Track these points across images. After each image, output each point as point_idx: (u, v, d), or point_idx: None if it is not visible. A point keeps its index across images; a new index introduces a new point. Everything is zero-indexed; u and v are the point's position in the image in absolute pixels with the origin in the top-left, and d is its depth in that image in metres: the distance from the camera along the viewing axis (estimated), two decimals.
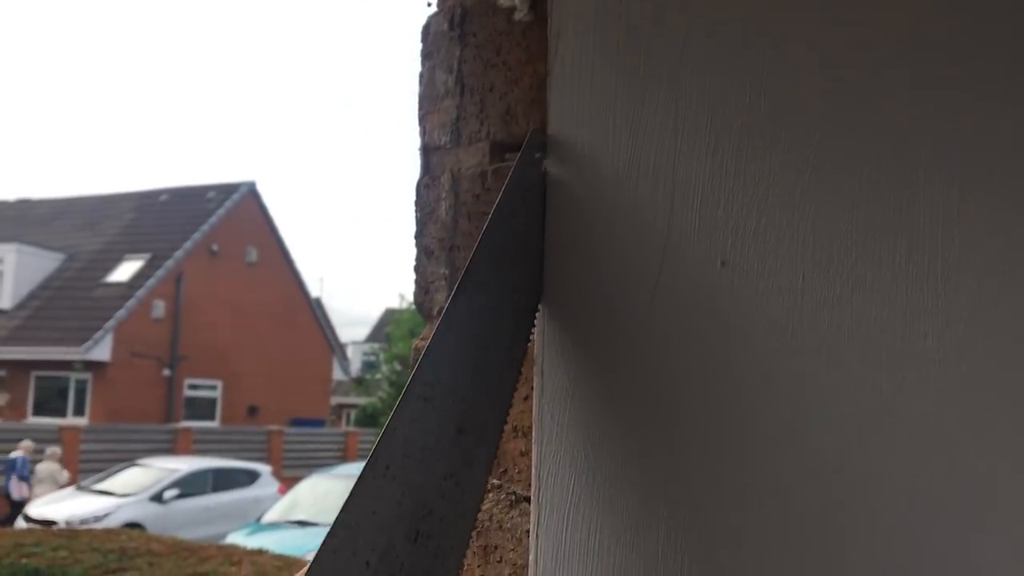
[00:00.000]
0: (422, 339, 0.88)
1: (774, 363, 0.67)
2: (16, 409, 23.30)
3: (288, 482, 16.38)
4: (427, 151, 0.89)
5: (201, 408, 25.52)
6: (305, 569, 0.57)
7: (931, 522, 0.62)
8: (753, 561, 0.67)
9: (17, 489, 15.75)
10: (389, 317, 33.21)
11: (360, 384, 34.53)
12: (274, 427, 23.83)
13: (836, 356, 0.65)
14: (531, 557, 0.73)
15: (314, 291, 31.96)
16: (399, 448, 0.63)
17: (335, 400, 34.15)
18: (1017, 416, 0.60)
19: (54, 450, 17.08)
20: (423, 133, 0.90)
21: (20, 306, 24.51)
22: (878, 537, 0.63)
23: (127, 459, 17.50)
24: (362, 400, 34.56)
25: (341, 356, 32.87)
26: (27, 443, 17.25)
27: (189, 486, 15.86)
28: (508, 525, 0.78)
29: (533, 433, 0.75)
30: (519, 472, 0.77)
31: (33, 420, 22.37)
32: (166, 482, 15.73)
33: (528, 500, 0.76)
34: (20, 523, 13.28)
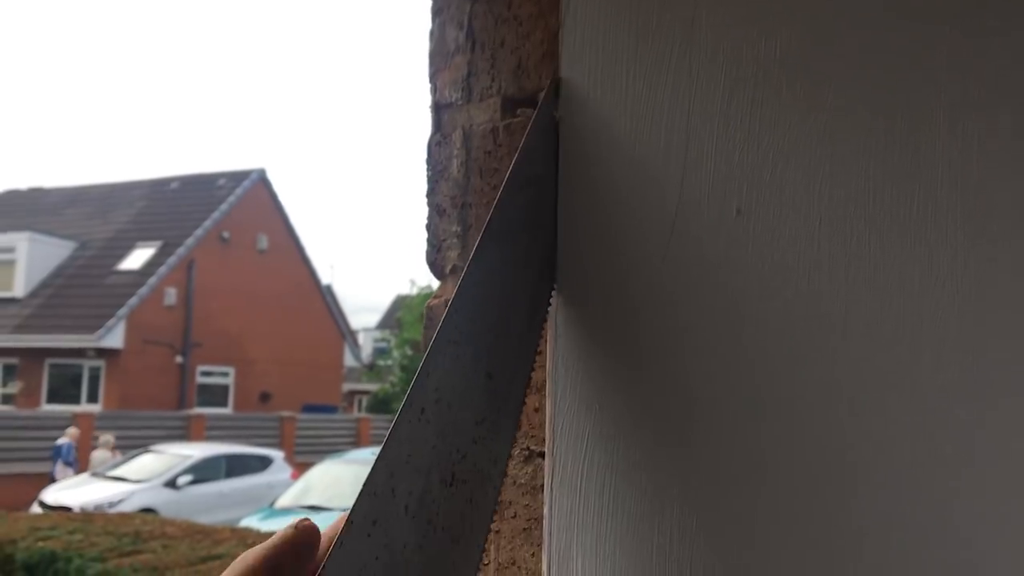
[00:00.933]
0: (436, 297, 0.87)
1: (790, 310, 0.66)
2: (30, 396, 23.45)
3: (301, 468, 16.46)
4: (438, 108, 0.89)
5: (214, 395, 25.64)
6: (347, 513, 0.57)
7: (954, 484, 0.62)
8: (771, 515, 0.66)
9: (63, 475, 15.89)
10: (400, 304, 33.26)
11: (372, 370, 34.60)
12: (287, 413, 23.92)
13: (853, 302, 0.65)
14: (546, 510, 0.73)
15: (325, 278, 32.05)
16: (432, 392, 0.63)
17: (347, 387, 34.26)
18: None
19: (107, 438, 17.24)
20: (434, 90, 0.89)
21: (33, 294, 24.63)
22: (892, 481, 0.62)
23: (140, 445, 17.60)
24: (374, 386, 34.64)
25: (352, 343, 32.96)
26: (72, 430, 17.46)
27: (202, 472, 15.94)
28: (522, 480, 0.78)
29: (547, 387, 0.74)
30: (533, 428, 0.77)
31: (47, 407, 22.51)
32: (180, 468, 15.81)
33: (542, 455, 0.76)
34: (35, 509, 13.36)
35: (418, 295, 23.72)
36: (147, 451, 16.81)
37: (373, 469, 0.58)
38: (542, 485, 0.74)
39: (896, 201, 0.65)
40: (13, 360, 24.01)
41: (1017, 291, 0.61)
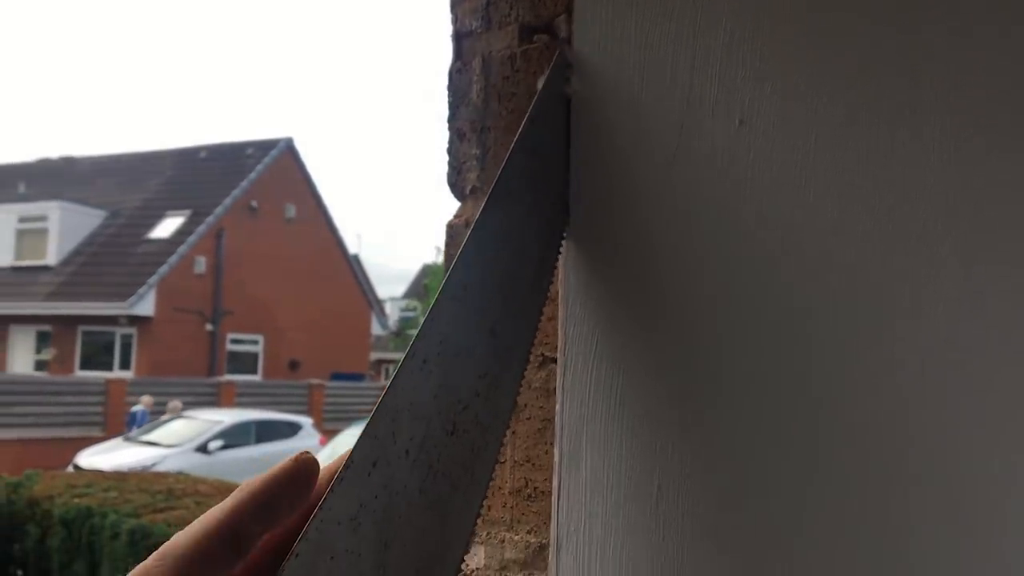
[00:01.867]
0: (456, 217, 0.92)
1: (787, 216, 0.70)
2: (64, 363, 23.85)
3: (329, 434, 16.66)
4: (458, 37, 0.93)
5: (243, 362, 25.94)
6: (348, 452, 0.59)
7: (953, 394, 0.65)
8: (768, 414, 0.70)
9: None
10: (427, 272, 33.37)
11: (399, 337, 34.77)
12: (315, 381, 24.16)
13: (846, 207, 0.69)
14: (558, 408, 0.78)
15: (352, 247, 32.17)
16: (435, 345, 0.65)
17: (374, 355, 34.52)
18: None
19: (175, 404, 17.67)
20: (455, 20, 0.93)
21: (65, 262, 24.97)
22: (887, 384, 0.67)
23: (172, 411, 17.88)
24: (401, 355, 34.84)
25: (379, 312, 33.16)
26: (147, 398, 17.96)
27: (233, 437, 16.19)
28: (536, 384, 0.82)
29: (559, 295, 0.79)
30: (547, 336, 0.82)
31: (80, 374, 22.89)
32: (210, 433, 16.07)
33: (555, 361, 0.80)
34: (70, 471, 13.63)
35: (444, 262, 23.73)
36: (178, 416, 17.08)
37: (375, 413, 0.59)
38: (555, 388, 0.79)
39: (885, 113, 0.68)
40: (47, 327, 24.39)
41: (1004, 193, 0.65)
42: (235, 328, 25.62)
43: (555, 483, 0.76)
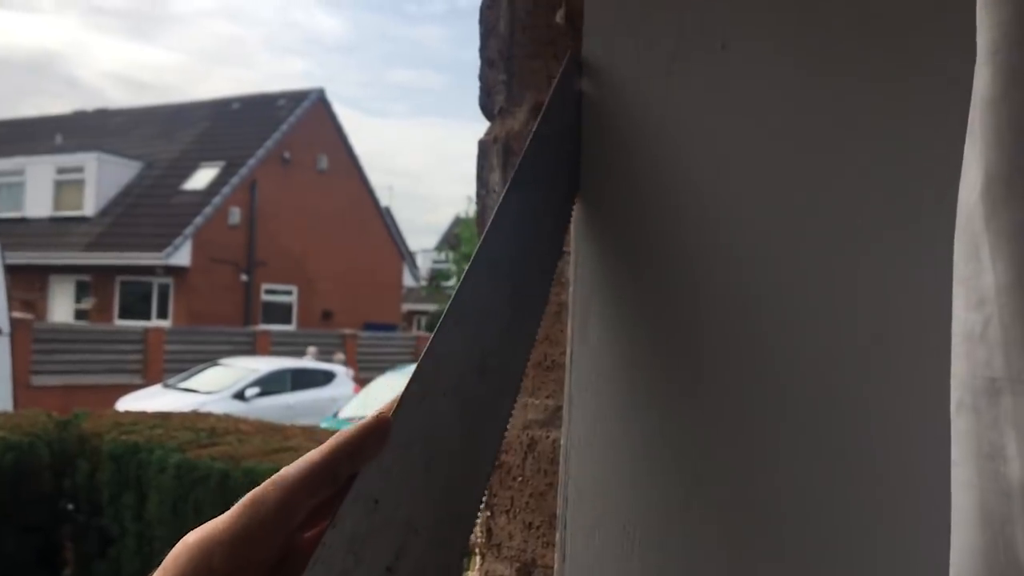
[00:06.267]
0: (487, 135, 1.05)
1: (772, 132, 0.82)
2: (103, 313, 24.37)
3: (362, 383, 16.95)
4: None
5: (278, 312, 26.34)
6: (398, 396, 0.69)
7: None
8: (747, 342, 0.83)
9: None
10: (458, 224, 33.50)
11: (431, 284, 34.95)
12: (348, 331, 24.48)
13: (839, 123, 0.81)
14: (570, 294, 0.92)
15: (383, 200, 32.32)
16: (467, 306, 0.77)
17: (406, 307, 34.85)
18: None
19: (313, 350, 18.35)
20: None
21: (103, 213, 25.40)
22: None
23: (209, 359, 18.25)
24: (432, 307, 35.14)
25: (411, 263, 33.41)
26: (313, 349, 18.61)
27: (269, 385, 16.54)
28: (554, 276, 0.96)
29: (572, 224, 0.92)
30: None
31: (120, 323, 23.39)
32: (247, 381, 16.43)
33: (568, 254, 0.94)
34: None
35: (477, 212, 23.63)
36: (215, 364, 17.44)
37: (421, 362, 0.72)
38: (567, 279, 0.93)
39: (877, 40, 0.79)
40: (85, 277, 24.90)
41: None
42: (269, 279, 25.99)
43: (568, 353, 0.90)
